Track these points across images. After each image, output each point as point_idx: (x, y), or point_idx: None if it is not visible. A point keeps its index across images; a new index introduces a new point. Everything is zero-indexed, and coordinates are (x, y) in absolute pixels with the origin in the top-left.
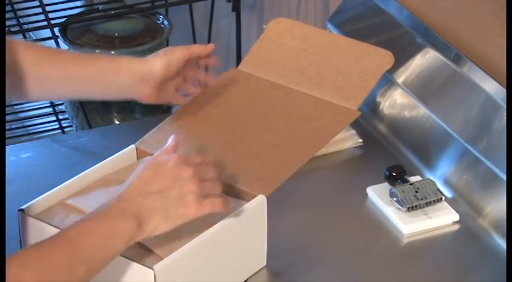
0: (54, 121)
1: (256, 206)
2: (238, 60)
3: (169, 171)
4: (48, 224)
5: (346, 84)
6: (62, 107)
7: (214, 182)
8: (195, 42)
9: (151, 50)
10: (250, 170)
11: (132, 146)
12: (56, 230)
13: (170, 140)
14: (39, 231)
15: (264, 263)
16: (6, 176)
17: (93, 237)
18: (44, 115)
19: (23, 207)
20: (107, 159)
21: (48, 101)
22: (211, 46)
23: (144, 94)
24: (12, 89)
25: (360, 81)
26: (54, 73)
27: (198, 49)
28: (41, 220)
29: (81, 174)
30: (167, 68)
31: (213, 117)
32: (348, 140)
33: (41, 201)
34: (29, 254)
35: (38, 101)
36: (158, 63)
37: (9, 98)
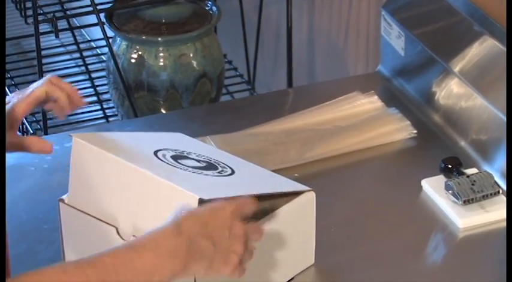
0: (98, 110)
1: (305, 202)
2: (289, 48)
3: (225, 220)
4: (86, 213)
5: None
6: (107, 96)
7: (253, 250)
8: (244, 29)
9: (198, 37)
10: None
11: (179, 133)
12: (92, 219)
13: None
14: (77, 221)
15: (312, 260)
16: (52, 164)
17: (132, 273)
18: (87, 104)
19: (63, 196)
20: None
21: (93, 90)
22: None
23: None
24: None
25: None
26: None
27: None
28: (78, 209)
29: None
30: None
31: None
32: (402, 131)
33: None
34: (56, 273)
35: (83, 90)
36: None
37: None
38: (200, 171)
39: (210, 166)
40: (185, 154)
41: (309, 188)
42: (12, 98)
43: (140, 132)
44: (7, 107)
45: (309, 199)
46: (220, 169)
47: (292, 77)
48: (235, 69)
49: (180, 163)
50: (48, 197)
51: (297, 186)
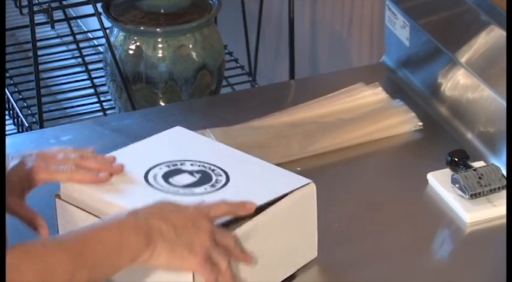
0: (95, 103)
1: (306, 195)
2: (291, 38)
3: (189, 215)
4: (80, 208)
5: None
6: (104, 88)
7: (227, 252)
8: (244, 19)
9: (198, 28)
10: None
11: (178, 127)
12: (86, 214)
13: None
14: (71, 215)
15: (315, 254)
16: None
17: (101, 245)
18: (84, 96)
19: (59, 192)
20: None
21: (89, 82)
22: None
23: None
24: None
25: None
26: None
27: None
28: (72, 204)
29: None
30: None
31: None
32: (407, 123)
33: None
34: (35, 246)
35: (80, 82)
36: None
37: None
38: (191, 189)
39: (203, 178)
40: (179, 166)
41: (309, 181)
42: (29, 157)
43: (136, 143)
44: (25, 167)
45: (309, 192)
46: (214, 179)
47: (294, 68)
48: (236, 60)
49: (171, 183)
50: (43, 194)
51: (298, 180)
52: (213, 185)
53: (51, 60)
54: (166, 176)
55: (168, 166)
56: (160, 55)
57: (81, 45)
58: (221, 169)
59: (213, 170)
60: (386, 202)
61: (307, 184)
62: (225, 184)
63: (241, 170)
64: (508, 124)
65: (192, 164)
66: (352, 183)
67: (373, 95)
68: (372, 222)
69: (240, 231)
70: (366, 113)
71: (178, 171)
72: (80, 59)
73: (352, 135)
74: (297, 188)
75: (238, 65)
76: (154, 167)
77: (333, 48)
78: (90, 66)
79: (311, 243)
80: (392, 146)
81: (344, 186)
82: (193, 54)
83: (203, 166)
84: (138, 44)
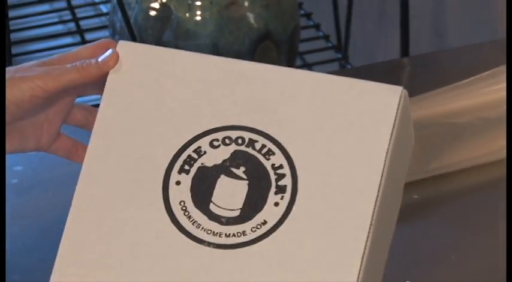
0: None
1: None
2: None
3: None
4: None
5: None
6: None
7: None
8: None
9: None
10: None
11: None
12: None
13: None
14: None
15: None
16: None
17: None
18: None
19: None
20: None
21: None
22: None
23: None
24: None
25: None
26: None
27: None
28: None
29: None
30: None
31: None
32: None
33: None
34: None
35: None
36: None
37: None
38: (238, 228)
39: (255, 185)
40: (203, 157)
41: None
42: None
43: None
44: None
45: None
46: (273, 189)
47: (408, 40)
48: (317, 27)
49: (206, 212)
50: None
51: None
52: (268, 215)
53: (27, 26)
54: (198, 187)
55: (190, 161)
56: (198, 18)
57: (74, 3)
58: (280, 147)
59: (267, 156)
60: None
61: None
62: (292, 202)
63: (312, 148)
64: (508, 124)
65: (217, 142)
66: (500, 224)
67: None
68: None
69: None
70: None
71: (206, 172)
72: (72, 24)
73: (499, 144)
74: None
75: (321, 34)
76: (172, 162)
77: (466, 11)
78: (88, 35)
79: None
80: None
81: (487, 227)
82: (251, 17)
83: (247, 144)
84: (164, 0)
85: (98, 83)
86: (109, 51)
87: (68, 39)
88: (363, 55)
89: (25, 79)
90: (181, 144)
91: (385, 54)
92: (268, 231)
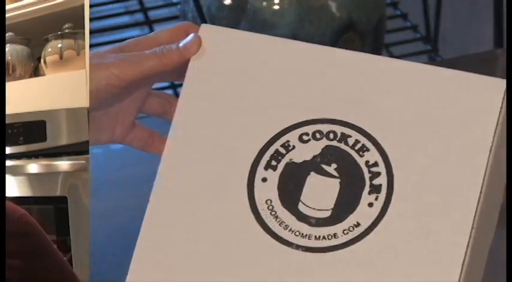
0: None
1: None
2: None
3: None
4: None
5: None
6: None
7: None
8: None
9: None
10: None
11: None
12: None
13: None
14: None
15: None
16: None
17: None
18: None
19: None
20: None
21: None
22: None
23: None
24: None
25: None
26: None
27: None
28: None
29: None
30: None
31: None
32: None
33: None
34: None
35: None
36: None
37: None
38: (326, 230)
39: (349, 182)
40: (292, 152)
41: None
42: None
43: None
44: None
45: None
46: (367, 188)
47: (502, 29)
48: (404, 16)
49: (295, 212)
50: None
51: None
52: (361, 216)
53: (91, 17)
54: (286, 185)
55: (277, 157)
56: (276, 7)
57: None
58: (375, 143)
59: (361, 153)
60: None
61: None
62: (387, 203)
63: (405, 141)
64: (509, 126)
65: (307, 136)
66: None
67: None
68: None
69: None
70: None
71: (295, 169)
72: (140, 15)
73: None
74: None
75: (409, 24)
76: (259, 157)
77: None
78: (157, 27)
79: None
80: None
81: None
82: (333, 6)
83: (339, 139)
84: None
85: (178, 70)
86: (191, 36)
87: (135, 31)
88: (453, 46)
89: (100, 66)
90: (269, 138)
91: (478, 45)
92: (361, 234)
